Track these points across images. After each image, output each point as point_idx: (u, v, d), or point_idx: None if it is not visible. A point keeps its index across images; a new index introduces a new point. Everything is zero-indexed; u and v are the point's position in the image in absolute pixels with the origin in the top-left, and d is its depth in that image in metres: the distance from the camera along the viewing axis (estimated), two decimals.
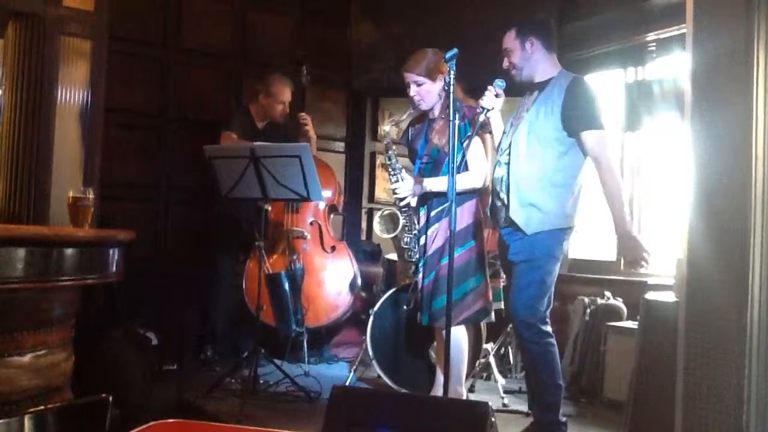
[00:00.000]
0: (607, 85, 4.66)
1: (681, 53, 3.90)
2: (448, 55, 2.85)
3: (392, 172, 3.43)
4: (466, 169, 3.31)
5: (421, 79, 3.36)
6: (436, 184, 3.30)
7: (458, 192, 3.11)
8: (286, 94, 4.46)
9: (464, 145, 3.13)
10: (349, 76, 5.63)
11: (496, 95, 3.03)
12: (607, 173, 2.93)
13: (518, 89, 3.20)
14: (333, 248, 4.52)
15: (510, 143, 3.05)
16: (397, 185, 3.38)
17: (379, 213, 3.54)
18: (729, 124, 2.30)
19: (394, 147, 3.51)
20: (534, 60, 3.06)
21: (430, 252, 3.34)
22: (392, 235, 3.44)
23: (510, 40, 3.10)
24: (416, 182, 3.37)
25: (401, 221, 3.39)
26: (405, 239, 3.41)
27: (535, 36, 3.05)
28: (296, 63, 4.59)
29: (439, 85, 3.37)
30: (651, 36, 4.29)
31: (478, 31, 4.40)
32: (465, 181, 3.25)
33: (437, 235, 3.33)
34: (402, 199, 3.37)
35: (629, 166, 4.56)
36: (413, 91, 3.40)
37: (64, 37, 3.64)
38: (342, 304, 4.47)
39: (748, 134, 2.23)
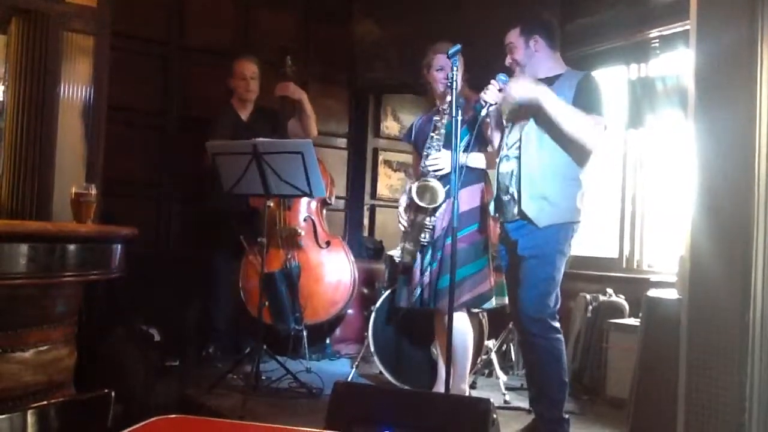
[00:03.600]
0: (610, 82, 4.65)
1: (684, 50, 3.90)
2: (451, 51, 2.86)
3: (435, 143, 3.41)
4: (482, 148, 3.39)
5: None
6: (472, 160, 3.31)
7: (472, 170, 3.27)
8: (247, 68, 4.38)
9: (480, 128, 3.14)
10: (351, 73, 5.62)
11: (499, 90, 3.03)
12: (591, 122, 2.91)
13: None
14: (328, 243, 4.50)
15: (520, 137, 3.04)
16: (438, 154, 3.38)
17: (417, 185, 3.36)
18: (732, 122, 2.30)
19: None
20: (537, 58, 3.07)
21: (437, 233, 3.37)
22: (438, 204, 3.32)
23: (514, 36, 3.11)
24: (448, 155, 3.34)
25: (441, 192, 3.31)
26: (432, 219, 3.37)
27: (539, 34, 3.06)
28: (281, 53, 4.48)
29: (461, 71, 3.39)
30: (654, 33, 4.28)
31: (481, 29, 4.38)
32: (482, 160, 3.41)
33: (444, 216, 3.36)
34: (439, 169, 3.37)
35: (632, 163, 4.55)
36: (444, 74, 3.35)
37: (67, 33, 3.64)
38: (340, 298, 4.46)
39: (751, 131, 2.23)
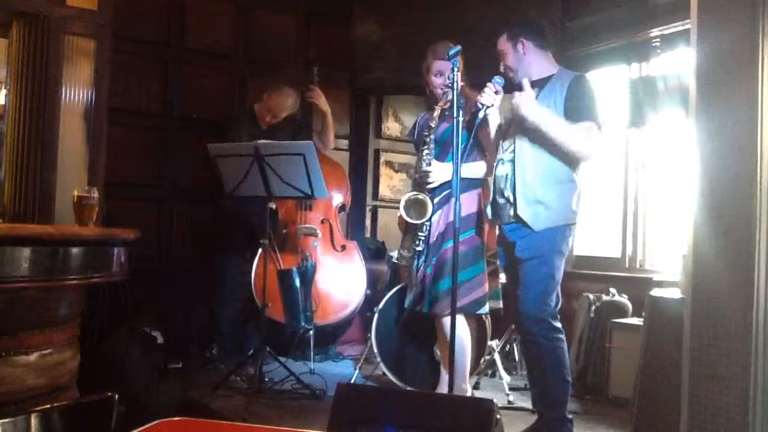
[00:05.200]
0: (611, 81, 4.65)
1: (685, 49, 3.89)
2: (451, 52, 2.86)
3: (426, 155, 3.40)
4: (479, 158, 3.36)
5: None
6: (469, 170, 3.31)
7: (468, 178, 3.23)
8: (283, 107, 4.42)
9: (477, 132, 3.15)
10: (352, 74, 5.62)
11: (496, 92, 3.04)
12: (583, 137, 2.92)
13: (517, 86, 3.21)
14: (343, 247, 4.53)
15: (514, 140, 3.05)
16: (430, 168, 3.37)
17: (405, 199, 3.42)
18: (734, 120, 2.29)
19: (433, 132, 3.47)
20: (527, 60, 3.08)
21: (433, 239, 3.38)
22: (425, 219, 3.37)
23: (503, 42, 3.13)
24: (443, 166, 3.37)
25: (429, 207, 3.35)
26: (425, 226, 3.40)
27: (526, 36, 3.07)
28: (307, 64, 4.55)
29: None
30: (655, 32, 4.28)
31: (482, 29, 4.39)
32: (479, 170, 3.35)
33: (439, 222, 3.38)
34: (431, 182, 3.37)
35: (633, 162, 4.54)
36: (443, 79, 3.38)
37: (68, 36, 3.65)
38: (350, 303, 4.48)
39: (753, 130, 2.22)
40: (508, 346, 4.35)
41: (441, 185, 3.38)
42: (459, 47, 2.91)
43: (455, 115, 2.80)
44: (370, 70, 5.48)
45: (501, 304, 3.46)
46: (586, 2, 4.66)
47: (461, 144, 2.88)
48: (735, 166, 2.28)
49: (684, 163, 3.01)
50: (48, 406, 1.53)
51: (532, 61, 3.08)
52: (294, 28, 5.46)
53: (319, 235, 4.43)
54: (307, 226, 4.42)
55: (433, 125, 3.42)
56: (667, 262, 4.23)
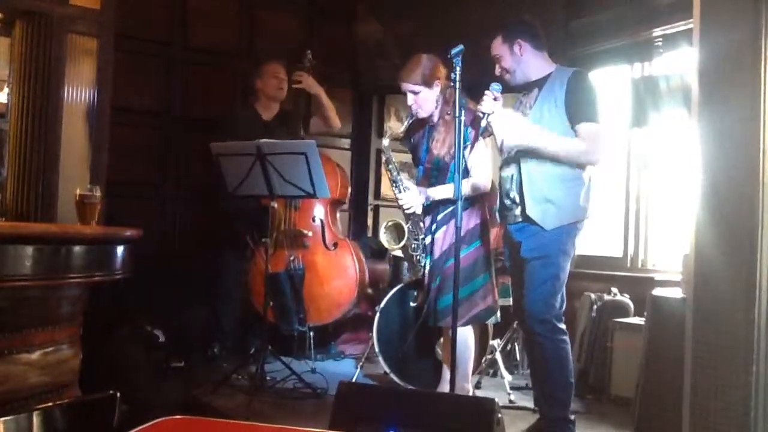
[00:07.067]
0: (613, 81, 4.64)
1: (688, 48, 3.89)
2: (454, 51, 2.85)
3: (395, 185, 3.42)
4: (469, 175, 3.31)
5: (417, 87, 3.35)
6: (440, 192, 3.31)
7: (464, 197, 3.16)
8: (280, 70, 4.43)
9: (465, 152, 3.13)
10: (355, 73, 5.63)
11: (495, 99, 3.03)
12: (584, 145, 2.91)
13: (514, 88, 3.20)
14: (335, 245, 4.47)
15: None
16: (402, 196, 3.38)
17: (384, 225, 3.58)
18: (736, 120, 2.29)
19: (394, 160, 3.49)
20: (524, 61, 3.08)
21: (437, 255, 3.35)
22: (399, 246, 3.50)
23: (498, 46, 3.12)
24: (420, 191, 3.37)
25: (406, 230, 3.40)
26: (413, 245, 3.43)
27: (523, 38, 3.06)
28: (300, 49, 4.52)
29: (435, 91, 3.37)
30: (657, 31, 4.27)
31: (485, 29, 4.38)
32: (469, 187, 3.27)
33: (444, 238, 3.34)
34: (407, 209, 3.37)
35: (636, 162, 4.54)
36: (410, 99, 3.39)
37: (71, 35, 3.65)
38: (345, 301, 4.42)
39: (755, 130, 2.22)
40: (509, 345, 4.35)
41: (443, 202, 3.34)
42: (461, 46, 2.90)
43: (457, 114, 2.80)
44: (373, 70, 5.48)
45: (510, 301, 3.46)
46: (589, 2, 4.66)
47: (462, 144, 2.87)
48: (737, 165, 2.28)
49: (686, 162, 3.01)
50: (50, 404, 1.53)
51: (529, 61, 3.08)
52: (297, 28, 5.46)
53: (309, 234, 4.40)
54: (295, 228, 4.39)
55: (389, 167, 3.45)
56: (669, 261, 4.23)
